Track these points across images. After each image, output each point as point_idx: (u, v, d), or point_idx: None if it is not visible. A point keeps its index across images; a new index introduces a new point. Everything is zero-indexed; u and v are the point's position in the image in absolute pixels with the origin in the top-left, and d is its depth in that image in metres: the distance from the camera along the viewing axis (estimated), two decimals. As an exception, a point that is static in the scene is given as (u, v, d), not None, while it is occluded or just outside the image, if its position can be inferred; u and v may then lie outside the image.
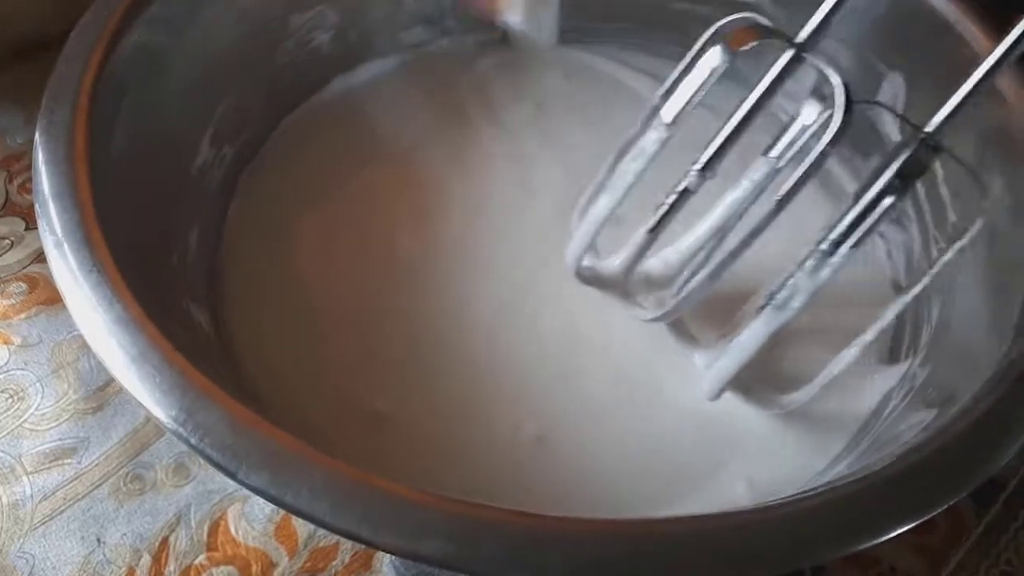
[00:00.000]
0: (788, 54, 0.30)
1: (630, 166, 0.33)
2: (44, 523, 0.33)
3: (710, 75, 0.30)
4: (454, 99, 0.45)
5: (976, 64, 0.32)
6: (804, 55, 0.30)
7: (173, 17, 0.34)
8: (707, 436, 0.33)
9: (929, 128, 0.28)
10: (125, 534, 0.33)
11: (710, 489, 0.32)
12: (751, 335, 0.31)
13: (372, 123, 0.44)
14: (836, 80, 0.29)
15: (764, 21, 0.30)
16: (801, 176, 0.30)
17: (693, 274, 0.32)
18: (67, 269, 0.26)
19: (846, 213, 0.29)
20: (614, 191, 0.33)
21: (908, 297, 0.30)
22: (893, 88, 0.37)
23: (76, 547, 0.33)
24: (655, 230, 0.33)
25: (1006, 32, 0.29)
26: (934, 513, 0.23)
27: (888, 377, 0.34)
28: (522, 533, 0.22)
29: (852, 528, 0.22)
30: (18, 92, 0.46)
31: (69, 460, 0.35)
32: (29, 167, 0.43)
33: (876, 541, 0.22)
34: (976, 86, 0.28)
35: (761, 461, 0.32)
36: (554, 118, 0.44)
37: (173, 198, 0.35)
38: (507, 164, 0.36)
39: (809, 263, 0.30)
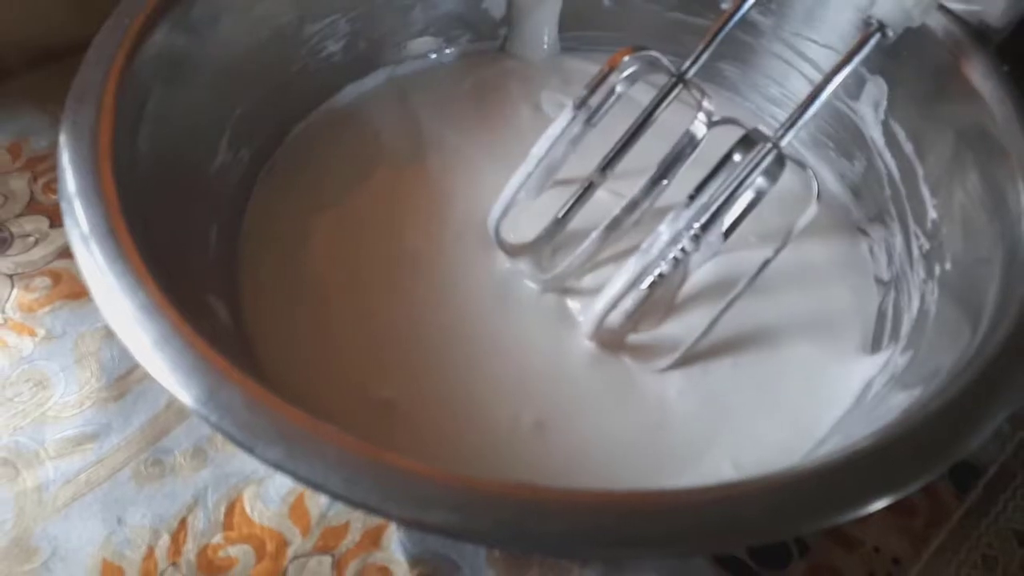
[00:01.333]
0: (672, 81, 0.37)
1: (538, 148, 0.38)
2: (67, 505, 0.35)
3: (611, 92, 0.37)
4: (458, 105, 0.47)
5: (952, 72, 0.34)
6: (684, 80, 0.37)
7: (193, 23, 0.36)
8: (694, 421, 0.35)
9: (783, 142, 0.34)
10: (145, 515, 0.35)
11: (698, 470, 0.33)
12: (617, 277, 0.35)
13: (380, 128, 0.45)
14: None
15: (657, 55, 0.37)
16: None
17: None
18: (92, 260, 0.28)
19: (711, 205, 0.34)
20: (525, 168, 0.38)
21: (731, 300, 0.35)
22: (876, 90, 0.39)
23: (98, 528, 0.35)
24: (563, 219, 0.40)
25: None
26: (910, 490, 0.24)
27: (870, 366, 0.35)
28: (522, 504, 0.23)
29: (830, 501, 0.24)
30: (41, 96, 0.48)
31: (91, 445, 0.37)
32: (53, 168, 0.45)
33: (852, 515, 0.23)
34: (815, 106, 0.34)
35: (747, 444, 0.34)
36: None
37: (193, 197, 0.36)
38: (507, 165, 0.38)
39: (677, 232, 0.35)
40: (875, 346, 0.37)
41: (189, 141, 0.36)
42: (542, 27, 0.49)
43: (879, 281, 0.40)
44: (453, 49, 0.49)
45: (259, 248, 0.40)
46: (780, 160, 0.34)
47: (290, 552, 0.34)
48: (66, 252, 0.42)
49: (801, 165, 0.34)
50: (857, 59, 0.33)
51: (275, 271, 0.39)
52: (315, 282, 0.39)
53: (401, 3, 0.45)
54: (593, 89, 0.36)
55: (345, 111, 0.46)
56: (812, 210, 0.33)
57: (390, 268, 0.39)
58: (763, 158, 0.33)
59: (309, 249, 0.40)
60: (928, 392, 0.27)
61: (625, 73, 0.37)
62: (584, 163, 0.39)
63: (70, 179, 0.30)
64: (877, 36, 0.33)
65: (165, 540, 0.34)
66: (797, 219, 0.33)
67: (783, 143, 0.33)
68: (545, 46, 0.49)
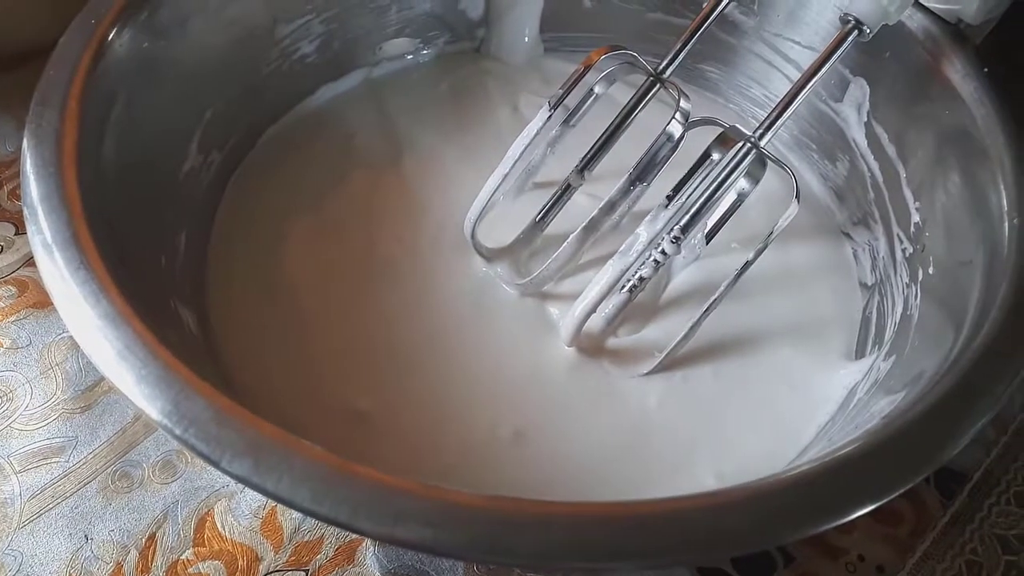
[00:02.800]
0: (649, 81, 0.37)
1: (514, 149, 0.37)
2: (32, 520, 0.34)
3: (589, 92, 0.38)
4: (435, 108, 0.46)
5: (933, 74, 0.34)
6: (662, 81, 0.37)
7: (161, 25, 0.35)
8: (675, 430, 0.34)
9: (762, 141, 0.34)
10: (112, 530, 0.34)
11: (680, 479, 0.33)
12: (597, 280, 0.35)
13: (356, 131, 0.45)
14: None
15: (633, 55, 0.36)
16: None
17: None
18: (55, 268, 0.27)
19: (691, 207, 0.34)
20: (501, 169, 0.37)
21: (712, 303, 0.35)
22: (859, 92, 0.38)
23: (64, 544, 0.34)
24: (541, 222, 0.39)
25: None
26: (890, 497, 0.24)
27: (854, 371, 0.35)
28: (496, 517, 0.23)
29: (811, 510, 0.23)
30: (8, 100, 0.47)
31: (57, 459, 0.36)
32: (19, 174, 0.44)
33: (834, 523, 0.23)
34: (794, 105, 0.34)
35: (730, 452, 0.33)
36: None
37: (162, 202, 0.35)
38: (485, 168, 0.37)
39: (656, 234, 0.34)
40: (859, 352, 0.36)
41: (158, 145, 0.36)
42: (522, 28, 0.48)
43: (863, 285, 0.39)
44: (430, 50, 0.48)
45: (229, 254, 0.39)
46: (761, 160, 0.33)
47: (262, 568, 0.33)
48: (32, 261, 0.41)
49: (781, 164, 0.33)
50: (835, 57, 0.33)
51: (245, 278, 0.38)
52: (286, 289, 0.38)
53: (376, 4, 0.44)
54: (569, 89, 0.36)
55: (319, 113, 0.45)
56: (793, 210, 0.33)
57: (364, 274, 0.39)
58: (743, 158, 0.33)
59: (281, 255, 0.39)
60: (910, 396, 0.26)
61: (602, 73, 0.36)
62: (563, 166, 0.38)
63: (33, 185, 0.29)
64: (854, 34, 0.33)
65: (133, 556, 0.33)
66: (778, 220, 0.33)
67: (763, 142, 0.33)
68: (525, 47, 0.48)
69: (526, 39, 0.48)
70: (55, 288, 0.27)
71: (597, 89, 0.37)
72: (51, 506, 0.35)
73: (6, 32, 0.46)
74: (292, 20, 0.42)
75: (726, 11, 0.42)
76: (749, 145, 0.33)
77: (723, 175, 0.33)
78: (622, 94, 0.38)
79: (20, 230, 0.43)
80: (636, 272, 0.35)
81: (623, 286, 0.35)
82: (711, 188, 0.33)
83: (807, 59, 0.41)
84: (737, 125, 0.34)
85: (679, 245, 0.34)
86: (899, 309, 0.35)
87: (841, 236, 0.41)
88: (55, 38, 0.33)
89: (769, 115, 0.33)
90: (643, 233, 0.34)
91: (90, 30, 0.33)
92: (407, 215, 0.41)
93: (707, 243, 0.35)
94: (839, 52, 0.33)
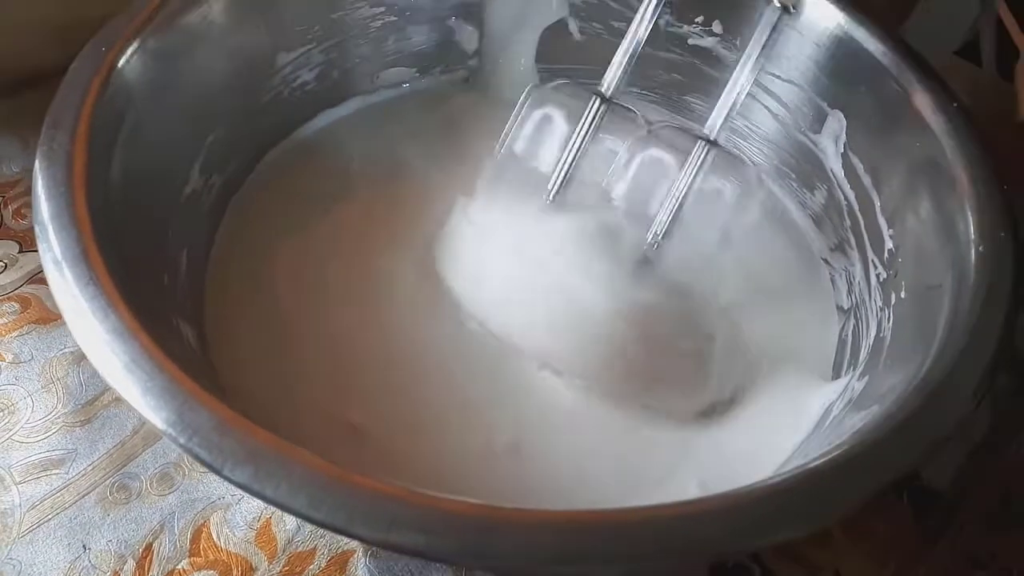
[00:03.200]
0: (597, 101, 0.40)
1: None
2: (32, 531, 0.35)
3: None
4: (430, 135, 0.47)
5: (905, 107, 0.36)
6: (612, 101, 0.40)
7: (168, 52, 0.36)
8: (660, 446, 0.36)
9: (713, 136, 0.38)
10: (110, 541, 0.35)
11: (664, 491, 0.34)
12: None
13: (352, 156, 0.46)
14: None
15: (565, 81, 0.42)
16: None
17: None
18: (64, 284, 0.28)
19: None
20: None
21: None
22: (836, 124, 0.40)
23: (62, 553, 0.34)
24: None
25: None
26: (858, 506, 0.25)
27: (830, 391, 0.36)
28: (484, 523, 0.24)
29: (782, 519, 0.24)
30: (14, 122, 0.48)
31: (57, 471, 0.37)
32: (24, 193, 0.45)
33: (803, 532, 0.24)
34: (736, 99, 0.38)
35: (713, 467, 0.35)
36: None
37: (165, 222, 0.37)
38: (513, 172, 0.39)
39: None
40: (835, 372, 0.38)
41: (162, 168, 0.37)
42: (516, 60, 0.50)
43: (840, 309, 0.41)
44: (426, 79, 0.50)
45: (227, 274, 0.40)
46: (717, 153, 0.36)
47: (257, 577, 0.34)
48: (35, 278, 0.42)
49: (740, 158, 0.35)
50: (769, 43, 0.35)
51: (242, 296, 0.39)
52: (282, 308, 0.39)
53: (375, 35, 0.46)
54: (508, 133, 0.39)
55: (318, 139, 0.46)
56: (759, 197, 0.35)
57: (356, 294, 0.40)
58: (703, 157, 0.34)
59: (277, 275, 0.40)
60: (880, 412, 0.27)
61: (542, 107, 0.39)
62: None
63: (44, 204, 0.30)
64: (784, 16, 0.36)
65: (131, 566, 0.34)
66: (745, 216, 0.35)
67: (719, 137, 0.35)
68: (519, 78, 0.50)
69: (521, 68, 0.50)
70: (65, 303, 0.28)
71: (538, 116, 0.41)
72: (50, 517, 0.35)
73: (9, 59, 0.47)
74: (293, 49, 0.43)
75: (709, 46, 0.45)
76: (706, 143, 0.34)
77: (690, 177, 0.35)
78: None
79: (24, 248, 0.44)
80: None
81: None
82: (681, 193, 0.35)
83: (787, 92, 0.42)
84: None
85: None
86: (873, 332, 0.36)
87: (820, 262, 0.43)
88: (57, 65, 0.34)
89: (718, 108, 0.35)
90: None
91: (100, 56, 0.34)
92: (400, 238, 0.42)
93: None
94: (774, 37, 0.35)
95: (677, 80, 0.47)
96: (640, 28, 0.39)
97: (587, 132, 0.40)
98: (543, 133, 0.40)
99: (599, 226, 0.40)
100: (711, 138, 0.38)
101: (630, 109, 0.39)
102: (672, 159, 0.39)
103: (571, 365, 0.37)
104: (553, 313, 0.38)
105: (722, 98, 0.39)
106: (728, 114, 0.37)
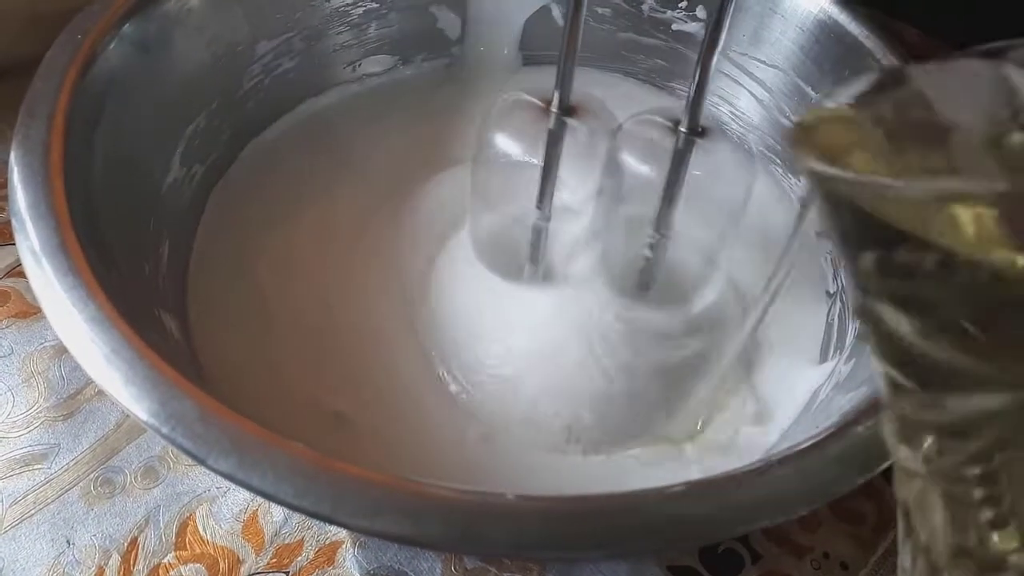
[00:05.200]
0: (553, 117, 0.34)
1: None
2: (14, 526, 0.34)
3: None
4: (414, 123, 0.47)
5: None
6: (565, 120, 0.34)
7: (146, 40, 0.36)
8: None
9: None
10: (95, 535, 0.34)
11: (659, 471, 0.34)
12: None
13: (334, 146, 0.46)
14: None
15: (529, 98, 0.35)
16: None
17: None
18: (42, 274, 0.28)
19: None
20: None
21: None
22: (819, 108, 0.40)
23: (46, 549, 0.34)
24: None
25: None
26: (845, 492, 0.25)
27: (818, 375, 0.36)
28: (470, 508, 0.24)
29: (770, 502, 0.24)
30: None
31: (39, 465, 0.36)
32: (-1, 186, 0.44)
33: (790, 516, 0.24)
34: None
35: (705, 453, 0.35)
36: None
37: (145, 212, 0.36)
38: (460, 182, 0.39)
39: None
40: (823, 356, 0.38)
41: (142, 157, 0.36)
42: (500, 47, 0.49)
43: (826, 293, 0.41)
44: (408, 67, 0.49)
45: (210, 264, 0.40)
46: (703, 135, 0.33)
47: (244, 570, 0.34)
48: (13, 272, 0.42)
49: (724, 137, 0.34)
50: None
51: (225, 287, 0.39)
52: (265, 300, 0.39)
53: (356, 22, 0.46)
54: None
55: (300, 128, 0.46)
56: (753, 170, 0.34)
57: (340, 285, 0.39)
58: (686, 146, 0.33)
59: (259, 267, 0.40)
60: (868, 394, 0.27)
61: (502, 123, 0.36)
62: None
63: (20, 195, 0.30)
64: None
65: (115, 560, 0.34)
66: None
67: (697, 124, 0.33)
68: (502, 63, 0.49)
69: (504, 56, 0.49)
70: (43, 294, 0.28)
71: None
72: (33, 512, 0.35)
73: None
74: (273, 37, 0.43)
75: (693, 32, 0.44)
76: (685, 132, 0.33)
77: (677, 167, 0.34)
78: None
79: (1, 242, 0.43)
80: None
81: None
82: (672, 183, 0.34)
83: (772, 77, 0.42)
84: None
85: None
86: (859, 315, 0.36)
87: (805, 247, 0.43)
88: (28, 56, 0.34)
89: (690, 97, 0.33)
90: None
91: (76, 44, 0.34)
92: (385, 227, 0.42)
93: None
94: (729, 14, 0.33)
95: (660, 66, 0.47)
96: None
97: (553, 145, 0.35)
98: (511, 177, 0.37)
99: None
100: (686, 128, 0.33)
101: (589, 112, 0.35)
102: (650, 169, 0.35)
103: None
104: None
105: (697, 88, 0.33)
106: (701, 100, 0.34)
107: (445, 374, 0.37)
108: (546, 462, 0.35)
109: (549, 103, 0.34)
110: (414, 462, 0.34)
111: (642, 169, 0.34)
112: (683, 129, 0.33)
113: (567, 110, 0.34)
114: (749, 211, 0.35)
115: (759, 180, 0.35)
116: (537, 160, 0.35)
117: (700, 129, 0.33)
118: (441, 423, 0.35)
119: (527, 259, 0.39)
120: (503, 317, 0.38)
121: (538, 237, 0.38)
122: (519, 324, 0.37)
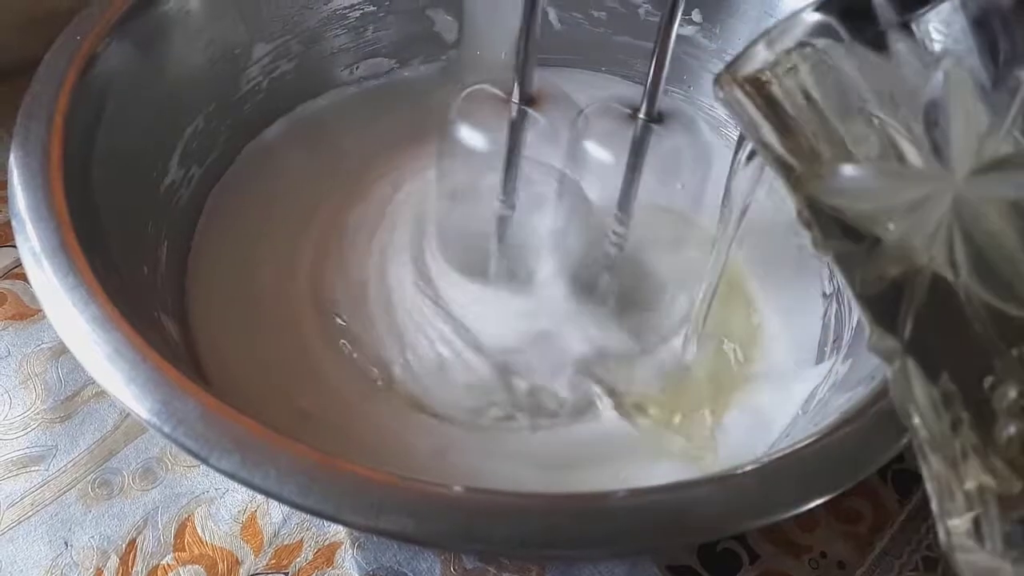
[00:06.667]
0: (515, 109, 0.35)
1: None
2: (12, 528, 0.34)
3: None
4: (411, 125, 0.47)
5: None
6: (527, 110, 0.35)
7: (144, 43, 0.36)
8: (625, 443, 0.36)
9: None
10: (93, 537, 0.34)
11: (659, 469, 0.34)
12: None
13: (332, 148, 0.46)
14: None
15: (491, 89, 0.36)
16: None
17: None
18: (43, 275, 0.28)
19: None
20: None
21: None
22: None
23: (44, 550, 0.34)
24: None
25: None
26: (835, 493, 0.25)
27: (815, 375, 0.36)
28: (472, 507, 0.24)
29: (768, 501, 0.25)
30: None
31: (37, 467, 0.36)
32: (-1, 188, 0.44)
33: (787, 516, 0.24)
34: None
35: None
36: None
37: (144, 214, 0.36)
38: (458, 184, 0.39)
39: None
40: (819, 357, 0.38)
41: (140, 159, 0.36)
42: (497, 50, 0.50)
43: (822, 294, 0.41)
44: (405, 70, 0.49)
45: (208, 266, 0.40)
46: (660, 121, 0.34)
47: (243, 571, 0.34)
48: (11, 273, 0.42)
49: (681, 124, 0.34)
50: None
51: (224, 290, 0.39)
52: (261, 302, 0.39)
53: (353, 25, 0.46)
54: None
55: (298, 130, 0.46)
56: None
57: (339, 288, 0.40)
58: (643, 133, 0.33)
59: (256, 268, 0.40)
60: (864, 395, 0.28)
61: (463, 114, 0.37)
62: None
63: (21, 196, 0.30)
64: None
65: (114, 562, 0.34)
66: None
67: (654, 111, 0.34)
68: (499, 66, 0.50)
69: (501, 58, 0.49)
70: (44, 295, 0.28)
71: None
72: (30, 514, 0.35)
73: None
74: (271, 39, 0.43)
75: (689, 35, 0.45)
76: (643, 119, 0.33)
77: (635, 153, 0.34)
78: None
79: (-1, 243, 0.43)
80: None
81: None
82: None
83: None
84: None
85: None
86: (855, 316, 0.36)
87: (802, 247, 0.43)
88: (26, 59, 0.34)
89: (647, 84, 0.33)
90: None
91: (75, 46, 0.34)
92: (380, 229, 0.42)
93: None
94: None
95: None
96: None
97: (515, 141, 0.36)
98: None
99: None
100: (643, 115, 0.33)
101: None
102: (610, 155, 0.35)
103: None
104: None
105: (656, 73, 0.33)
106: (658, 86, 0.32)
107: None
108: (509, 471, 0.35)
109: (511, 94, 0.34)
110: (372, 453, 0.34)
111: (602, 155, 0.35)
112: (641, 116, 0.33)
113: (528, 100, 0.34)
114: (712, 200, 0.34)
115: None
116: (500, 150, 0.35)
117: (658, 115, 0.33)
118: (399, 431, 0.36)
119: (493, 253, 0.39)
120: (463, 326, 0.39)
121: (503, 228, 0.38)
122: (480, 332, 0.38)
